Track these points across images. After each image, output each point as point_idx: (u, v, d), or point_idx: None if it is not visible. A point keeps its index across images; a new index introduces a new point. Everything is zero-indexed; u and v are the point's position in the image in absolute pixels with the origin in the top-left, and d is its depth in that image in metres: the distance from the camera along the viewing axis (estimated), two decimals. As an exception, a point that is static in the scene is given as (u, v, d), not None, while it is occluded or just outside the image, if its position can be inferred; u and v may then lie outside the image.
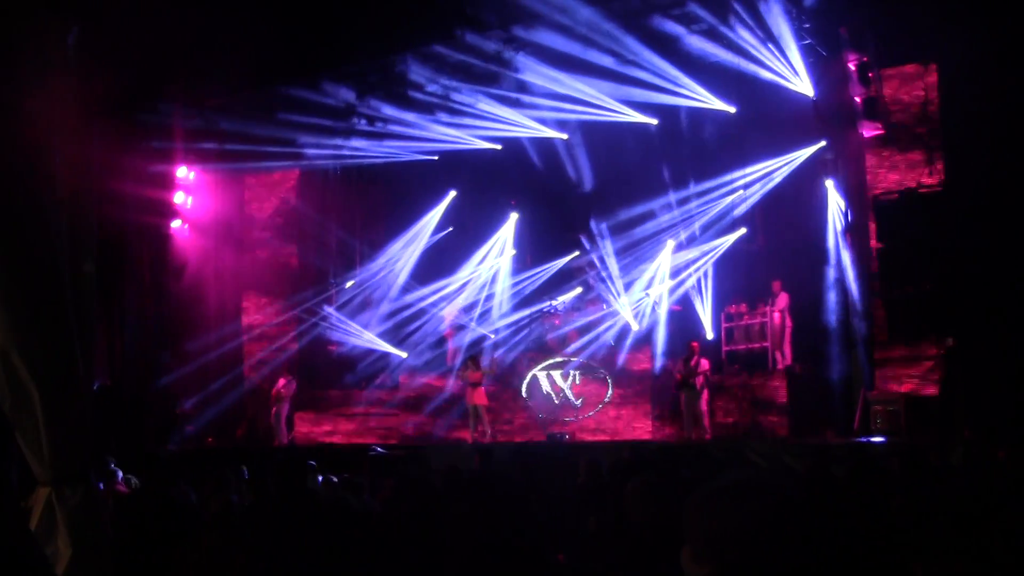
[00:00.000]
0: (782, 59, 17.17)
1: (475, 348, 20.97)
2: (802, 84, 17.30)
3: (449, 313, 22.21)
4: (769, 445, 15.09)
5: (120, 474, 10.82)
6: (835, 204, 17.90)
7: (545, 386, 19.99)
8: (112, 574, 3.81)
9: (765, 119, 18.08)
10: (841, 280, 17.54)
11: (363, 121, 20.24)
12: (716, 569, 2.25)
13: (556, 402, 19.81)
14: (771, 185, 19.02)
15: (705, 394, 17.40)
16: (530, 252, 22.95)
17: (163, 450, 18.44)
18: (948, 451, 11.85)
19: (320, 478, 9.88)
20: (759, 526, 2.23)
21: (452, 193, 22.91)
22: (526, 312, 21.76)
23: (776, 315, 18.18)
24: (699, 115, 18.93)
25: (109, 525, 3.99)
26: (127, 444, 16.46)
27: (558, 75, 18.55)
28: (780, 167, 18.84)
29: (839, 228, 17.75)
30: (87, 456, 3.88)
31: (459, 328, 22.03)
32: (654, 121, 19.29)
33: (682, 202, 20.11)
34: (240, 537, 4.70)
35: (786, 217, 18.90)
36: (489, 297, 22.65)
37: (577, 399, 19.64)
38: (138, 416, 18.95)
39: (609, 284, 20.61)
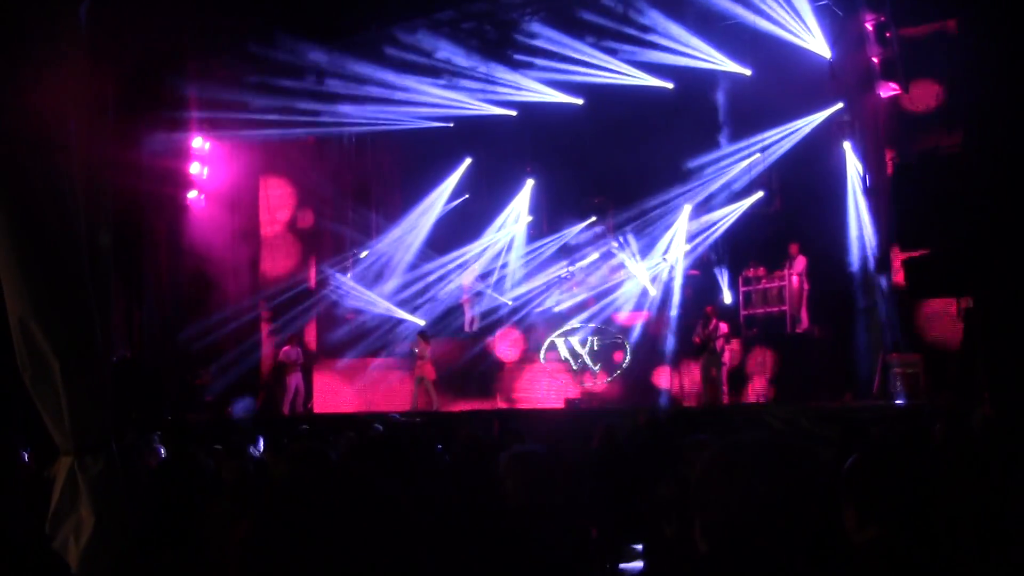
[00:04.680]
0: (798, 20, 17.04)
1: (427, 324, 21.24)
2: (818, 45, 17.17)
3: (466, 280, 22.21)
4: (788, 409, 15.07)
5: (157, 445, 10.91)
6: (853, 166, 17.80)
7: (563, 352, 20.03)
8: (135, 542, 3.84)
9: (781, 82, 17.94)
10: (859, 242, 17.45)
11: (376, 88, 20.16)
12: (708, 530, 2.25)
13: (574, 368, 19.85)
14: (788, 148, 18.92)
15: (726, 357, 17.38)
16: (546, 218, 22.92)
17: (183, 420, 18.53)
18: (968, 413, 11.80)
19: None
20: (752, 490, 2.22)
21: (467, 160, 22.85)
22: (543, 278, 21.76)
23: (794, 278, 18.11)
24: (715, 79, 18.84)
25: (137, 492, 4.02)
26: (147, 415, 16.54)
27: (573, 40, 18.49)
28: (797, 130, 18.73)
29: (857, 190, 17.65)
30: (108, 426, 3.90)
31: (476, 295, 22.03)
32: (670, 85, 19.20)
33: (699, 166, 20.02)
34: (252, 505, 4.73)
35: (803, 180, 18.79)
36: (505, 264, 22.64)
37: (595, 364, 19.67)
38: (158, 387, 19.04)
39: (626, 249, 20.58)
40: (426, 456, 8.20)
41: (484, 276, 22.37)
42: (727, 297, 19.32)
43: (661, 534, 4.95)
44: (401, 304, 22.26)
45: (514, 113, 20.78)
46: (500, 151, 21.85)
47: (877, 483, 3.15)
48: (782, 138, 18.90)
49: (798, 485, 2.24)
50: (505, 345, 20.84)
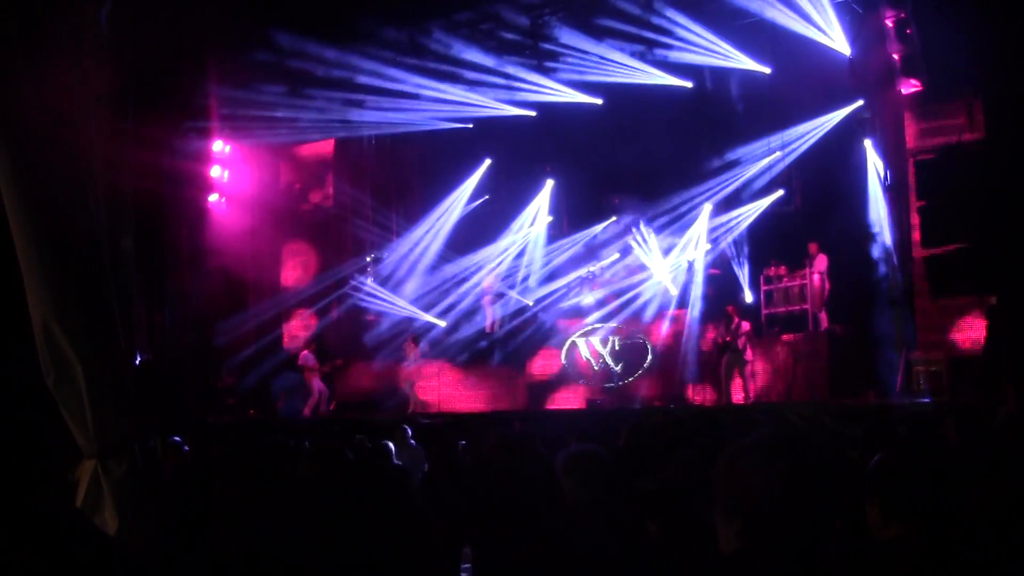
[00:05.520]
0: (817, 17, 16.97)
1: (418, 328, 21.26)
2: (838, 43, 17.10)
3: (487, 282, 22.21)
4: (810, 407, 15.01)
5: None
6: (874, 164, 17.72)
7: (584, 352, 20.01)
8: (160, 544, 3.85)
9: (801, 79, 17.90)
10: (881, 240, 17.38)
11: (396, 90, 20.18)
12: (744, 527, 2.25)
13: (595, 368, 19.84)
14: (808, 146, 18.86)
15: (748, 355, 17.35)
16: (567, 219, 22.90)
17: (206, 422, 18.58)
18: (991, 412, 11.73)
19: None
20: (782, 484, 2.23)
21: (487, 161, 22.84)
22: (563, 279, 21.75)
23: (816, 277, 18.05)
24: (734, 77, 18.79)
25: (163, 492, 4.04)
26: (170, 418, 16.60)
27: (591, 40, 18.48)
28: (817, 127, 18.67)
29: (878, 188, 17.58)
30: (131, 428, 3.92)
31: (497, 297, 22.03)
32: (689, 84, 19.16)
33: (719, 165, 20.00)
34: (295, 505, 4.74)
35: (824, 178, 18.73)
36: (526, 265, 22.63)
37: (616, 364, 19.64)
38: (180, 390, 19.11)
39: (646, 249, 20.54)
40: (448, 456, 8.23)
41: (505, 277, 22.37)
42: (748, 296, 19.28)
43: (643, 532, 4.90)
44: (422, 305, 22.28)
45: (534, 114, 20.78)
46: (520, 152, 21.86)
47: (901, 481, 3.14)
48: (802, 136, 18.85)
49: (819, 479, 2.25)
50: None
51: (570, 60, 19.23)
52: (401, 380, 19.96)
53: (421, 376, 19.79)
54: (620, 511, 4.44)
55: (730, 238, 19.98)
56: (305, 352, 20.30)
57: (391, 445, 9.69)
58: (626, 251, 21.16)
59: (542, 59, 19.44)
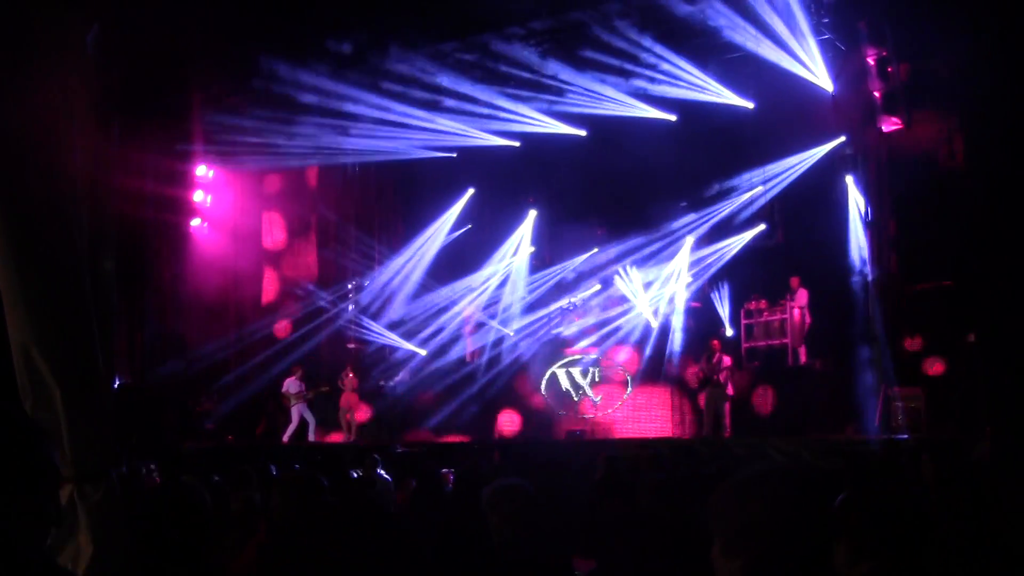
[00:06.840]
0: (801, 54, 17.10)
1: (355, 358, 21.35)
2: (821, 79, 17.23)
3: (468, 311, 22.19)
4: (790, 442, 15.02)
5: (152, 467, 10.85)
6: (855, 200, 17.83)
7: (564, 383, 19.98)
8: (134, 571, 3.82)
9: (784, 115, 18.01)
10: (861, 276, 17.45)
11: (380, 118, 20.21)
12: (748, 561, 2.23)
13: (575, 399, 19.80)
14: (790, 181, 18.96)
15: (730, 390, 17.36)
16: (548, 249, 22.92)
17: (183, 448, 18.47)
18: (968, 449, 11.76)
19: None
20: (788, 515, 2.22)
21: (470, 191, 22.89)
22: (545, 310, 21.75)
23: (796, 311, 18.10)
24: (718, 111, 18.89)
25: (133, 520, 4.00)
26: (148, 442, 16.51)
27: (577, 72, 18.56)
28: (799, 163, 18.77)
29: (859, 223, 17.67)
30: (109, 453, 3.89)
31: (478, 326, 22.02)
32: (673, 117, 19.25)
33: (701, 199, 20.07)
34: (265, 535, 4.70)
35: (805, 213, 18.83)
36: (508, 295, 22.62)
37: (596, 396, 19.63)
38: (158, 414, 19.00)
39: (628, 281, 20.57)
40: (428, 487, 8.19)
41: (486, 307, 22.36)
42: (729, 330, 19.31)
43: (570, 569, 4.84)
44: (403, 334, 22.24)
45: (517, 144, 20.83)
46: (503, 181, 21.92)
47: (870, 518, 3.14)
48: (785, 171, 18.94)
49: (822, 512, 2.26)
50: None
51: (555, 91, 19.29)
52: (342, 406, 20.06)
53: (359, 406, 19.85)
54: (545, 547, 4.39)
55: (711, 272, 20.04)
56: (289, 379, 20.18)
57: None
58: (607, 283, 21.19)
59: (527, 90, 19.49)
